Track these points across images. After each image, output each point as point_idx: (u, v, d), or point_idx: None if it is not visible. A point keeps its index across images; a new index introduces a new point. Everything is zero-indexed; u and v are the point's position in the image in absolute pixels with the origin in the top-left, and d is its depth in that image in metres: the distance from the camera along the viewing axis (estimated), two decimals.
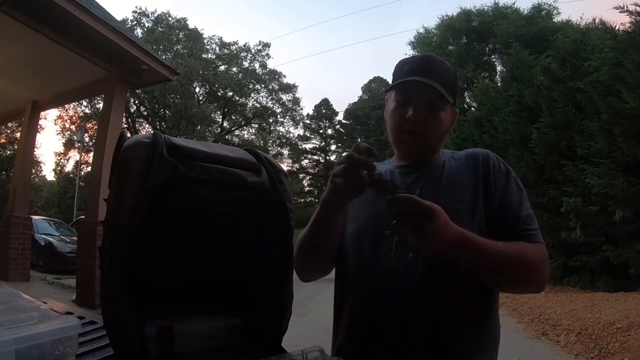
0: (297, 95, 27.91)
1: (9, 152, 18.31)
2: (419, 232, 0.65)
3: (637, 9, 6.41)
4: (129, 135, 0.61)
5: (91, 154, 13.64)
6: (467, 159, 0.91)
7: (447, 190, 0.85)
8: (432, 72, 0.87)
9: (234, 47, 24.31)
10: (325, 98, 36.81)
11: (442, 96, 0.86)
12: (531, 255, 0.79)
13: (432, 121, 0.88)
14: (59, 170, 24.66)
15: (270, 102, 26.58)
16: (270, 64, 24.97)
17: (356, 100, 34.82)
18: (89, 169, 15.23)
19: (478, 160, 0.89)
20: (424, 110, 0.86)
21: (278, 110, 27.21)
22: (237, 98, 24.16)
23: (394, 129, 0.91)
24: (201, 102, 22.32)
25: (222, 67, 23.76)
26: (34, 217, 8.18)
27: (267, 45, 24.63)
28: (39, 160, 23.30)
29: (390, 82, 0.93)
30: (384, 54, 53.30)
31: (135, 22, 21.43)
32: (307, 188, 33.61)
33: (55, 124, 21.81)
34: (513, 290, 0.93)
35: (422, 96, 0.86)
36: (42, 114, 8.38)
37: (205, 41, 23.63)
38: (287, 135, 30.81)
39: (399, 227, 0.66)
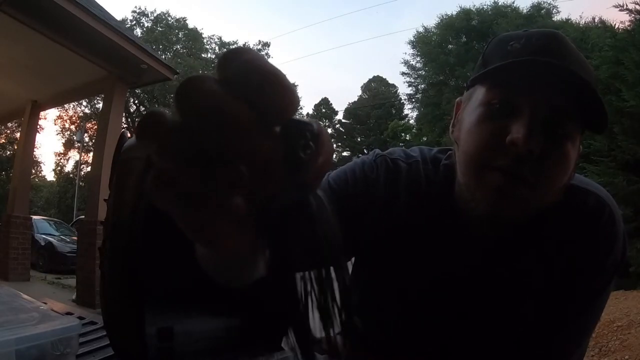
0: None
1: (8, 152, 18.30)
2: None
3: (637, 7, 6.39)
4: (129, 135, 0.61)
5: (91, 154, 13.63)
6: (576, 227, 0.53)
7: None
8: (567, 61, 0.47)
9: (233, 47, 24.33)
10: (325, 97, 36.82)
11: (587, 105, 0.47)
12: None
13: (557, 158, 0.47)
14: (59, 170, 24.64)
15: None
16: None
17: (356, 100, 34.82)
18: (89, 169, 15.19)
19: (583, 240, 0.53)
20: (544, 131, 0.46)
21: None
22: None
23: (474, 161, 0.49)
24: None
25: None
26: (34, 217, 8.16)
27: (266, 45, 24.60)
28: (39, 160, 23.28)
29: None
30: (384, 53, 53.33)
31: (134, 22, 21.37)
32: None
33: (55, 124, 21.78)
34: None
35: (548, 101, 0.46)
36: (42, 113, 8.37)
37: (204, 41, 23.58)
38: None
39: None
